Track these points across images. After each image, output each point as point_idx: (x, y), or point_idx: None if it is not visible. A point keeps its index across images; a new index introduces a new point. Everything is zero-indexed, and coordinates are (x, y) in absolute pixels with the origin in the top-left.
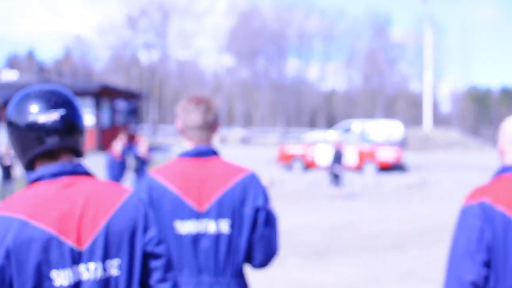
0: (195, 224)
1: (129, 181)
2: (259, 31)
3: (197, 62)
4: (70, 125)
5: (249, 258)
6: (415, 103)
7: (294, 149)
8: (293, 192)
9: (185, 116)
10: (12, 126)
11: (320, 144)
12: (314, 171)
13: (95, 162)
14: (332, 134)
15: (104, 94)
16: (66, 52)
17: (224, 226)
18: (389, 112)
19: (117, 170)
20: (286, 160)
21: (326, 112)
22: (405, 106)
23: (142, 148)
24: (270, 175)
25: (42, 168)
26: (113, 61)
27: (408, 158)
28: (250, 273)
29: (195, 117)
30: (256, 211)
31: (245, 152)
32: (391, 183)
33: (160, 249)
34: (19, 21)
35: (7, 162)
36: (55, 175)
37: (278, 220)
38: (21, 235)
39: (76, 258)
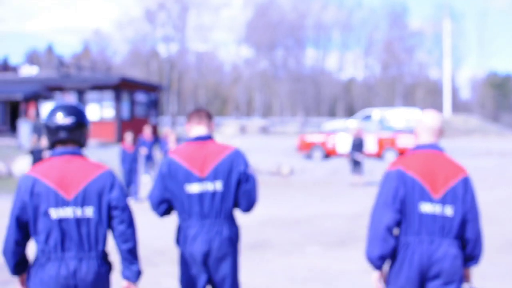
0: (199, 186)
1: (143, 171)
2: (277, 22)
3: (216, 54)
4: (76, 127)
5: (237, 205)
6: (434, 90)
7: (314, 137)
8: (313, 180)
9: (193, 118)
10: (46, 126)
11: (340, 132)
12: (334, 159)
13: (115, 153)
14: (352, 122)
15: (123, 86)
16: (85, 46)
17: (219, 185)
18: (408, 100)
19: (129, 162)
20: (306, 148)
21: (345, 102)
22: (424, 94)
23: (171, 144)
24: (290, 164)
25: (56, 150)
26: (131, 54)
27: None
28: (272, 260)
29: (200, 117)
30: (239, 174)
31: (264, 142)
32: None
33: (119, 203)
34: (38, 17)
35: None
36: (62, 153)
37: (256, 179)
38: (35, 187)
39: (66, 204)
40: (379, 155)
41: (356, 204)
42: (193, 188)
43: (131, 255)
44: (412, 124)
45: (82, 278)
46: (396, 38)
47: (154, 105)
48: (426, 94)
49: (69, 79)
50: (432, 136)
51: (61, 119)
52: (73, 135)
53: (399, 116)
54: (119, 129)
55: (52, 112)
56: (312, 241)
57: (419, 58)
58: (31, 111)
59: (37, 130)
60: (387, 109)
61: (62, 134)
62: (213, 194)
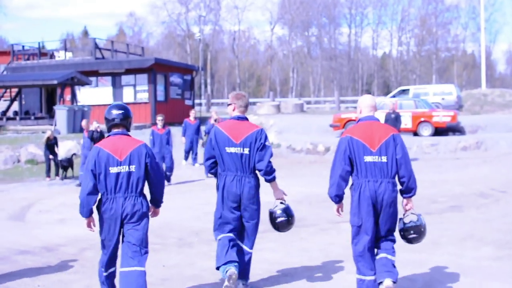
0: (235, 149)
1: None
2: (310, 0)
3: (250, 34)
4: (124, 117)
5: (258, 164)
6: (470, 64)
7: (348, 115)
8: None
9: (235, 102)
10: (105, 116)
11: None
12: None
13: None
14: (387, 99)
15: (158, 69)
16: (120, 30)
17: (246, 150)
18: (444, 76)
19: (159, 145)
20: (341, 126)
21: (381, 79)
22: (460, 69)
23: (212, 121)
24: (326, 142)
25: (112, 132)
26: (166, 36)
27: (464, 119)
28: (307, 238)
29: (241, 102)
30: (260, 144)
31: (300, 121)
32: (447, 146)
33: (152, 166)
34: (73, 2)
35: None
36: (115, 134)
37: (271, 150)
38: (100, 153)
39: (118, 163)
40: (414, 131)
41: None
42: (231, 150)
43: (158, 196)
44: (447, 99)
45: (127, 209)
46: (431, 12)
47: (189, 87)
48: (462, 69)
49: (104, 63)
50: (370, 111)
51: (115, 112)
52: (122, 122)
53: (434, 92)
54: (154, 111)
55: (110, 108)
56: (347, 219)
57: (454, 33)
58: (67, 96)
59: (73, 114)
60: (422, 86)
61: (116, 121)
62: (243, 155)
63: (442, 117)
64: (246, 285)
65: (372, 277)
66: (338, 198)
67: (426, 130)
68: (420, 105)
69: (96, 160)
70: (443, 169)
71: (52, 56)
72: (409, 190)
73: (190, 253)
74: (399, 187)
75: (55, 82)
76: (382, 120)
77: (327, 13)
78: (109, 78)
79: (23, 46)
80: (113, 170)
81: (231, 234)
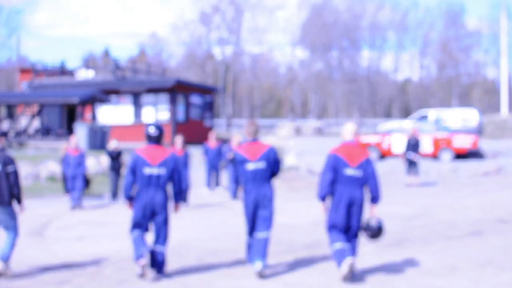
0: (253, 165)
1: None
2: (331, 23)
3: (271, 56)
4: (158, 134)
5: (272, 175)
6: (491, 90)
7: (369, 138)
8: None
9: (247, 128)
10: (146, 133)
11: (395, 132)
12: (390, 160)
13: None
14: (407, 123)
15: (179, 89)
16: (141, 50)
17: (263, 165)
18: (464, 100)
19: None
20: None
21: (401, 102)
22: (481, 94)
23: (234, 144)
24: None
25: (149, 143)
26: (187, 57)
27: (485, 145)
28: (326, 259)
29: (249, 129)
30: (273, 159)
31: (319, 143)
32: (468, 171)
33: (176, 170)
34: (95, 21)
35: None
36: (151, 144)
37: (281, 162)
38: (137, 158)
39: (151, 166)
40: (434, 156)
41: (411, 204)
42: (250, 166)
43: (179, 193)
44: (468, 123)
45: (156, 200)
46: (452, 37)
47: (209, 108)
48: (483, 94)
49: (125, 82)
50: (351, 136)
51: (152, 130)
52: (156, 137)
53: (455, 116)
54: (174, 131)
55: (149, 127)
56: (366, 241)
57: (475, 58)
58: (88, 114)
59: (93, 132)
60: (443, 110)
61: (153, 137)
62: (261, 169)
63: (463, 142)
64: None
65: (342, 245)
66: (324, 199)
67: (447, 155)
68: (441, 130)
69: (135, 162)
70: (463, 194)
71: (73, 74)
72: (375, 198)
73: (208, 274)
74: (368, 195)
75: (76, 100)
76: (403, 144)
77: (348, 36)
78: (129, 98)
79: (45, 65)
80: (146, 171)
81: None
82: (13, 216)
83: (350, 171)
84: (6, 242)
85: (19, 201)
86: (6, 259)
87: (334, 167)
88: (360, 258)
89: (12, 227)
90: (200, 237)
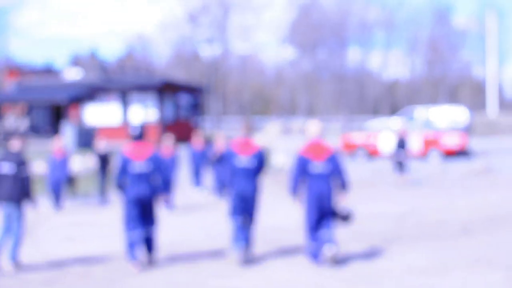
0: (245, 161)
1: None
2: (319, 22)
3: (259, 55)
4: (141, 133)
5: (258, 173)
6: (479, 89)
7: (357, 137)
8: (358, 180)
9: (241, 126)
10: (130, 133)
11: (383, 132)
12: (378, 159)
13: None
14: (395, 121)
15: (166, 89)
16: (129, 50)
17: (253, 163)
18: (452, 99)
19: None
20: (350, 149)
21: (389, 101)
22: (469, 93)
23: (219, 146)
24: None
25: (133, 141)
26: (174, 57)
27: (474, 144)
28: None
29: (245, 126)
30: (262, 159)
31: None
32: (457, 170)
33: (160, 167)
34: (82, 21)
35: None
36: (135, 142)
37: (266, 162)
38: (124, 156)
39: (137, 163)
40: (423, 155)
41: (400, 204)
42: (242, 162)
43: (164, 186)
44: (456, 122)
45: (144, 194)
46: (440, 36)
47: (197, 107)
48: (471, 93)
49: (113, 83)
50: (316, 133)
51: (134, 129)
52: (140, 136)
53: (444, 115)
54: (162, 131)
55: (134, 127)
56: (357, 241)
57: (463, 56)
58: (75, 114)
59: (80, 132)
60: (431, 107)
61: (136, 135)
62: (251, 167)
63: (452, 141)
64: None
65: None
66: (295, 194)
67: (435, 155)
68: (429, 128)
69: (121, 161)
70: (453, 193)
71: (60, 75)
72: (344, 188)
73: (200, 273)
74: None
75: (64, 100)
76: (391, 143)
77: (336, 34)
78: (117, 98)
79: (32, 65)
80: (134, 168)
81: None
82: (20, 215)
83: (317, 169)
84: (12, 241)
85: (31, 199)
86: (14, 258)
87: (302, 167)
88: (350, 257)
89: (17, 226)
90: (194, 238)
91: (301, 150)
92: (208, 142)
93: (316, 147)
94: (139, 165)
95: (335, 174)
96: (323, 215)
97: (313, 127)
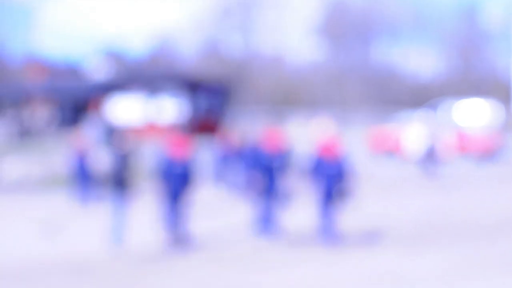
0: (270, 154)
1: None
2: (346, 22)
3: (285, 55)
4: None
5: (284, 166)
6: (504, 87)
7: (385, 135)
8: (385, 179)
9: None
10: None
11: (412, 126)
12: (406, 155)
13: None
14: (424, 115)
15: (191, 88)
16: (154, 48)
17: (279, 155)
18: (476, 97)
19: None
20: (377, 146)
21: (416, 100)
22: (493, 90)
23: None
24: (360, 162)
25: (172, 136)
26: (200, 56)
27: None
28: (344, 259)
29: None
30: (288, 153)
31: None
32: (488, 169)
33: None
34: (108, 20)
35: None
36: (175, 138)
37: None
38: (163, 154)
39: (176, 160)
40: (454, 154)
41: (428, 204)
42: (266, 154)
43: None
44: (483, 119)
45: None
46: (467, 35)
47: (223, 106)
48: (495, 91)
49: (136, 81)
50: (326, 132)
51: (178, 125)
52: (183, 129)
53: (476, 110)
54: (191, 127)
55: (177, 123)
56: (383, 241)
57: (490, 57)
58: (102, 111)
59: (104, 129)
60: (457, 103)
61: (177, 129)
62: (276, 158)
63: (486, 141)
64: None
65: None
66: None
67: (467, 153)
68: (461, 126)
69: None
70: (483, 193)
71: (88, 71)
72: (348, 187)
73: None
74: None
75: (85, 97)
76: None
77: (363, 33)
78: (143, 95)
79: (58, 61)
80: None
81: None
82: (125, 201)
83: (327, 166)
84: (118, 224)
85: (132, 188)
86: (119, 240)
87: (316, 165)
88: (374, 260)
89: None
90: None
91: (315, 151)
92: (244, 137)
93: (326, 147)
94: (177, 162)
95: (343, 170)
96: (332, 200)
97: (322, 125)
